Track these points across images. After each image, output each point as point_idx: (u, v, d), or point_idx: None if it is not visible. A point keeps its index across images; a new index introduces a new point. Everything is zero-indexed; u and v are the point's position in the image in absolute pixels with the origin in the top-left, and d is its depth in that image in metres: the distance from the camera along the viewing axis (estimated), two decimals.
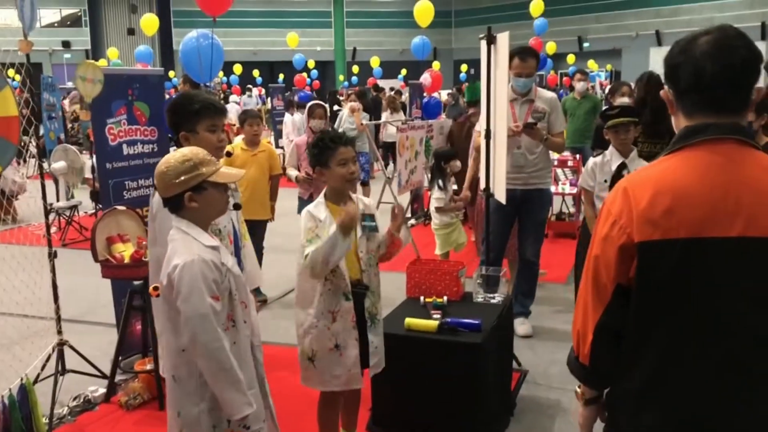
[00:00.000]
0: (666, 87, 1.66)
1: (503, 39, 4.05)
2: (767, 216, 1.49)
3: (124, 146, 4.62)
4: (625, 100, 5.53)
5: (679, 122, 1.65)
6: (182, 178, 2.34)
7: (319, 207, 3.05)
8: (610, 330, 1.62)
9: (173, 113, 3.14)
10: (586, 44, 32.59)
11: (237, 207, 3.03)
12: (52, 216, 8.92)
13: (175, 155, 2.41)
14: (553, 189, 7.95)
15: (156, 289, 2.73)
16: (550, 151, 5.08)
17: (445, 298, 3.84)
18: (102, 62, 20.59)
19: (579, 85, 8.94)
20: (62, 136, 9.09)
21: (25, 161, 14.51)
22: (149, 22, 16.30)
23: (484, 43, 4.23)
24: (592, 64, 26.61)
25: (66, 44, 33.66)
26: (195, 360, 2.31)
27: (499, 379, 3.77)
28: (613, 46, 31.35)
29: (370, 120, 12.00)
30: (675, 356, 1.53)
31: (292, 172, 5.99)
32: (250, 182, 5.59)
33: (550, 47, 19.72)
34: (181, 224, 2.40)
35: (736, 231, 1.47)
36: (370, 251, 3.13)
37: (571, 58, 27.68)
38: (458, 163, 5.93)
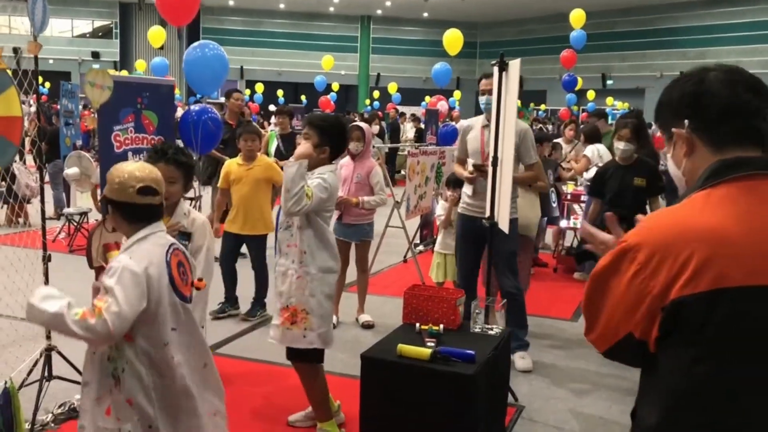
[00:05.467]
0: (681, 123, 1.47)
1: (515, 66, 4.00)
2: None
3: (130, 154, 4.60)
4: (620, 146, 5.27)
5: (699, 161, 1.46)
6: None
7: None
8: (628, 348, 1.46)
9: None
10: (609, 82, 32.57)
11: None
12: (62, 221, 8.97)
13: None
14: (564, 224, 7.90)
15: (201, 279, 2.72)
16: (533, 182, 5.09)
17: (442, 326, 3.74)
18: (124, 73, 20.91)
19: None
20: (78, 142, 9.14)
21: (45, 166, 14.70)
22: (156, 35, 16.59)
23: (496, 70, 4.19)
24: (610, 101, 26.57)
25: (95, 55, 34.21)
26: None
27: (491, 413, 3.65)
28: (637, 85, 31.29)
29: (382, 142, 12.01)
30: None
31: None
32: (243, 198, 5.64)
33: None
34: None
35: None
36: None
37: (591, 94, 27.64)
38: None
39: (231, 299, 5.92)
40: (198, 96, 7.34)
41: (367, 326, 5.69)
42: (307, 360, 3.63)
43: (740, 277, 1.31)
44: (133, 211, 2.46)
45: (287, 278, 3.54)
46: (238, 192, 5.68)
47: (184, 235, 3.05)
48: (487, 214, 4.42)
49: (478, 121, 4.94)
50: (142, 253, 2.41)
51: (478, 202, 4.78)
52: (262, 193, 5.75)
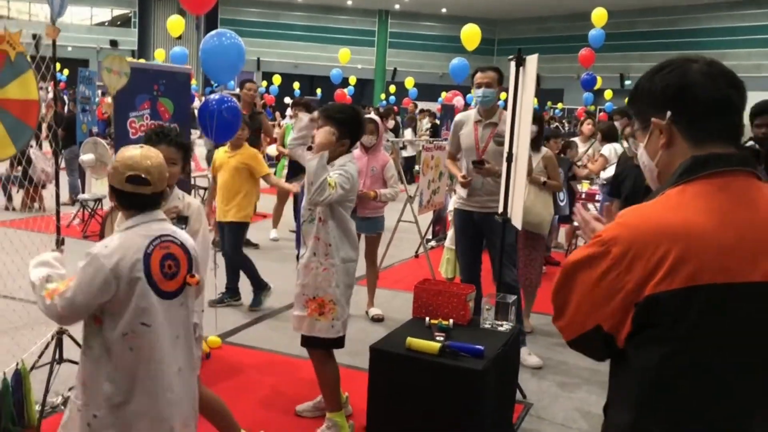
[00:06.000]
0: (662, 114, 1.45)
1: (532, 61, 3.98)
2: None
3: None
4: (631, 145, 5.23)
5: (677, 154, 1.45)
6: None
7: None
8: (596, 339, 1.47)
9: None
10: (627, 82, 32.31)
11: None
12: (76, 207, 9.03)
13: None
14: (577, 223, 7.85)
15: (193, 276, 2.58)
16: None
17: (451, 321, 3.74)
18: (141, 61, 21.02)
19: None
20: (95, 129, 9.19)
21: (60, 152, 14.79)
22: (175, 24, 16.74)
23: (513, 65, 4.17)
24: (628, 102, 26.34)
25: (114, 43, 34.37)
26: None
27: (499, 409, 3.64)
28: None
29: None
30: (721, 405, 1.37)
31: None
32: (221, 185, 5.77)
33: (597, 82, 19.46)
34: None
35: (759, 275, 1.33)
36: None
37: (608, 94, 27.42)
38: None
39: (231, 290, 5.94)
40: (214, 86, 7.32)
41: (377, 319, 5.70)
42: (327, 347, 3.66)
43: (713, 274, 1.32)
44: (123, 198, 2.40)
45: (310, 271, 3.54)
46: (219, 179, 5.81)
47: (181, 219, 3.04)
48: (500, 209, 4.40)
49: (471, 116, 4.85)
50: (119, 245, 2.31)
51: (474, 198, 4.79)
52: (241, 181, 5.73)
